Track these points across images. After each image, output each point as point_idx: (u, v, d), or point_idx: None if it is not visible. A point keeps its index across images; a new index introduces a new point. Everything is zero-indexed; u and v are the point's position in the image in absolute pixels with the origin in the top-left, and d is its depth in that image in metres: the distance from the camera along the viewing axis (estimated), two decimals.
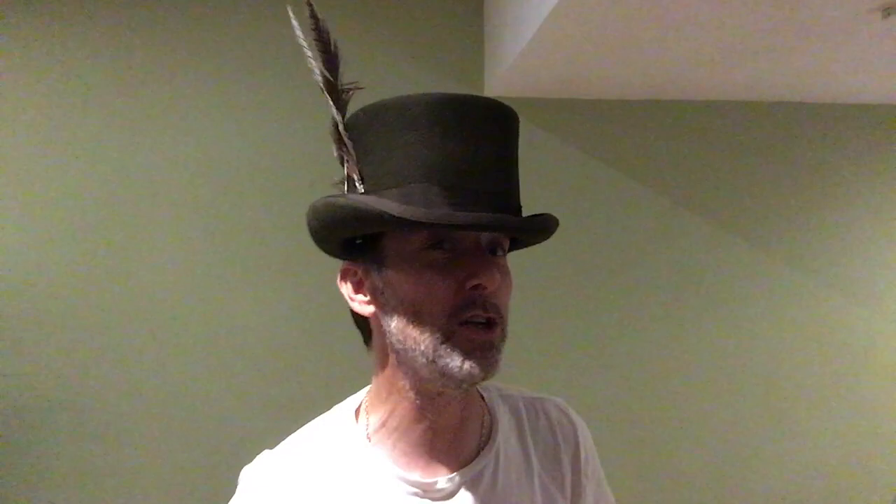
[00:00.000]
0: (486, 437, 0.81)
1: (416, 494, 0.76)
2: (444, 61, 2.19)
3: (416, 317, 0.71)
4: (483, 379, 0.72)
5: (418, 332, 0.71)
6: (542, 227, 0.76)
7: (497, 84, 2.11)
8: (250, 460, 0.81)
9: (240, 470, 0.81)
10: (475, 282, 0.70)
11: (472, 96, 0.72)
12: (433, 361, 0.70)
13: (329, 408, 0.87)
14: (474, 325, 0.71)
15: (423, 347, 0.71)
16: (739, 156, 2.33)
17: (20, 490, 2.02)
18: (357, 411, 0.83)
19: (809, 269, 2.35)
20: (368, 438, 0.79)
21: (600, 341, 2.25)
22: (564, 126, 2.25)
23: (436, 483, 0.76)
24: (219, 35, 2.11)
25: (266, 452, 0.82)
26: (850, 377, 2.37)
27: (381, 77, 2.14)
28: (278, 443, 0.83)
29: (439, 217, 0.67)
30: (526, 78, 2.05)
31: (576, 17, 1.56)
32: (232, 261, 2.11)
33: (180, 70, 2.09)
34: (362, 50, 2.14)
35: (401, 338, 0.72)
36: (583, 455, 0.86)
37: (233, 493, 0.79)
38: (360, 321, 0.80)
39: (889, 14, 1.53)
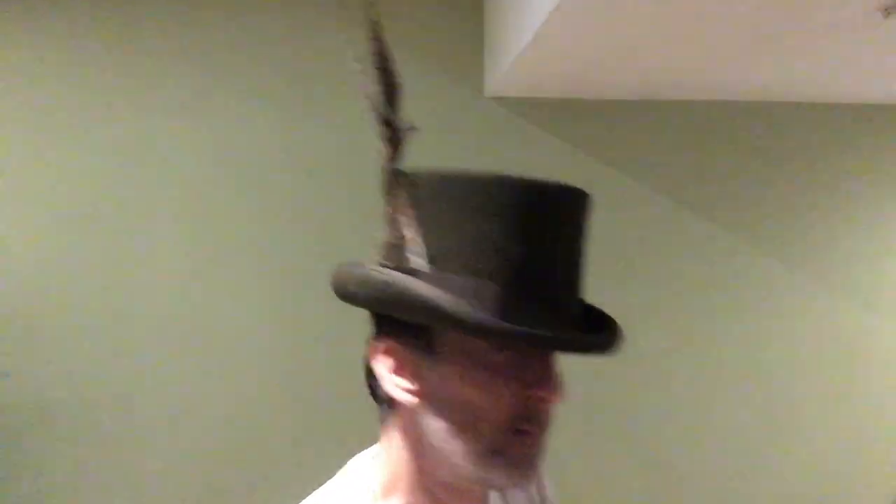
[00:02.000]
0: None
1: None
2: (444, 61, 2.19)
3: (467, 422, 0.64)
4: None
5: (467, 437, 0.64)
6: (611, 347, 0.67)
7: (497, 84, 2.11)
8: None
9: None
10: (541, 394, 0.64)
11: (555, 184, 0.63)
12: (475, 466, 0.65)
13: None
14: (527, 437, 0.65)
15: (468, 453, 0.65)
16: (739, 156, 2.33)
17: (20, 490, 2.02)
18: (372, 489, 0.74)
19: (809, 268, 2.35)
20: None
21: None
22: (564, 126, 2.24)
23: None
24: (219, 31, 2.11)
25: None
26: (850, 377, 2.36)
27: None
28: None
29: (521, 334, 0.60)
30: (526, 78, 2.05)
31: (576, 17, 1.56)
32: (233, 262, 2.10)
33: (181, 68, 2.09)
34: (362, 50, 2.14)
35: (443, 436, 0.65)
36: None
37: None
38: (376, 383, 0.71)
39: (889, 14, 1.53)
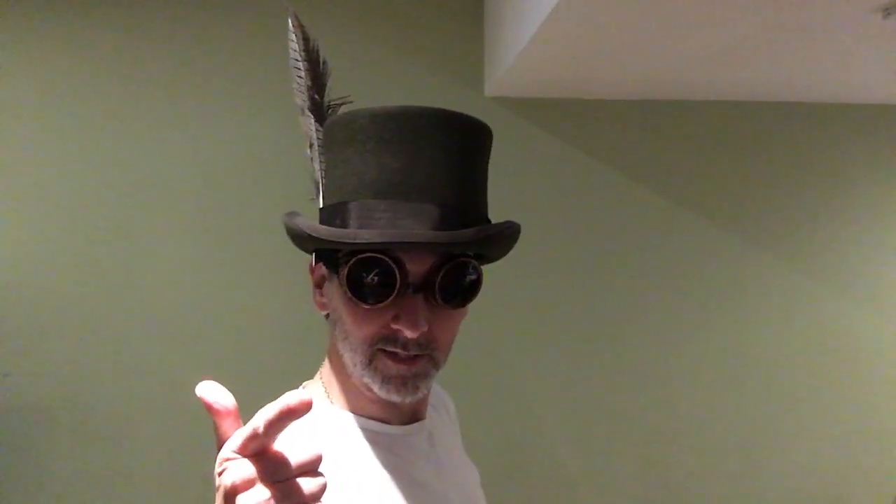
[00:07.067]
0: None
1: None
2: (444, 61, 2.19)
3: (346, 336, 0.75)
4: (404, 402, 0.75)
5: (350, 349, 0.75)
6: (465, 241, 0.70)
7: (497, 84, 2.11)
8: None
9: None
10: (397, 327, 0.71)
11: (417, 107, 0.71)
12: (360, 378, 0.75)
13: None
14: (394, 355, 0.72)
15: (353, 364, 0.75)
16: (739, 156, 2.33)
17: (20, 490, 2.02)
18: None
19: (809, 268, 2.35)
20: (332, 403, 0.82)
21: (599, 341, 2.25)
22: (564, 126, 2.25)
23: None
24: (218, 36, 2.11)
25: None
26: (850, 377, 2.36)
27: (382, 77, 2.14)
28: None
29: (332, 234, 0.70)
30: (526, 78, 2.05)
31: (576, 17, 1.56)
32: (233, 261, 2.11)
33: (182, 69, 2.09)
34: (362, 50, 2.14)
35: (341, 346, 0.76)
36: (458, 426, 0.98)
37: None
38: None
39: (889, 14, 1.53)
